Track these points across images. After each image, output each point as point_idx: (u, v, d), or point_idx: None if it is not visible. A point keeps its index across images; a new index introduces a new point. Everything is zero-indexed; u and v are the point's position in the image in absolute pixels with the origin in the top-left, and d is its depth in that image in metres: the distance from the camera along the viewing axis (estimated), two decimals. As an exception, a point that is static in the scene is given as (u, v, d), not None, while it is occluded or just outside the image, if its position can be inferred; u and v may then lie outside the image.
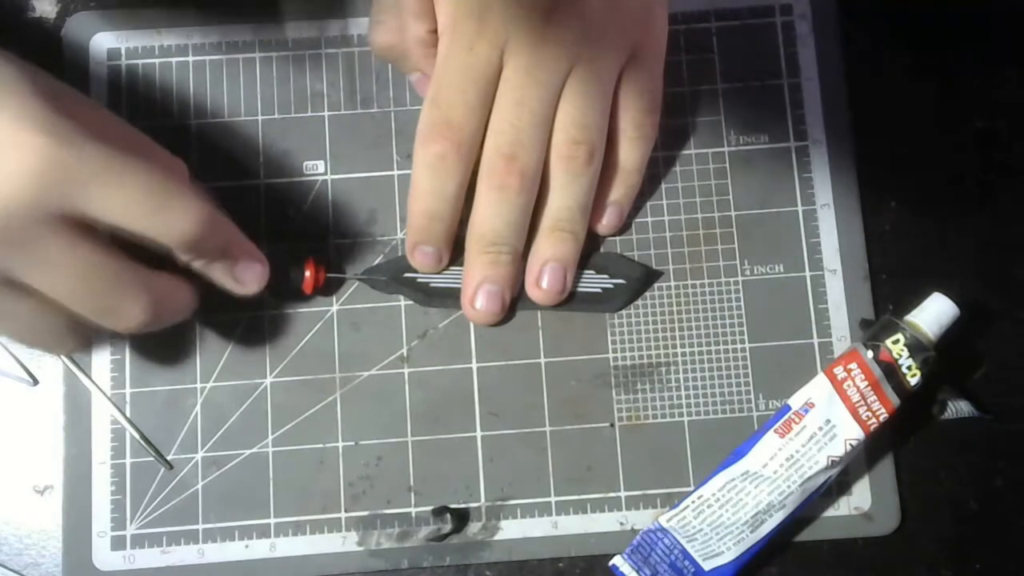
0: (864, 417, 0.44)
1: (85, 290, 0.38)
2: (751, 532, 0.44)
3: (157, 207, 0.37)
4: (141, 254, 0.39)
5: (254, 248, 0.44)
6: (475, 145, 0.45)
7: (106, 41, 0.50)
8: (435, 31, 0.46)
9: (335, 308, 0.48)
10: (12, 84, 0.36)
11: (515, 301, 0.48)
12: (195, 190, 0.39)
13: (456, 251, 0.47)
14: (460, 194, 0.46)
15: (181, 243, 0.39)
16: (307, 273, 0.47)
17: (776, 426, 0.45)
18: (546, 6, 0.44)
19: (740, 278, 0.49)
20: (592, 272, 0.48)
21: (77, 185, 0.36)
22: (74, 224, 0.37)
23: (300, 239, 0.48)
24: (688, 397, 0.48)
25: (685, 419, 0.47)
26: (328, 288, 0.48)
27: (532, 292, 0.47)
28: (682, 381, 0.48)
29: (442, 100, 0.45)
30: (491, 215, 0.45)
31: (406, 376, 0.48)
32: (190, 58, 0.50)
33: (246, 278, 0.44)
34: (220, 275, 0.43)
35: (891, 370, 0.44)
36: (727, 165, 0.50)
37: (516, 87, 0.44)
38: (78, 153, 0.36)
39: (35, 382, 0.48)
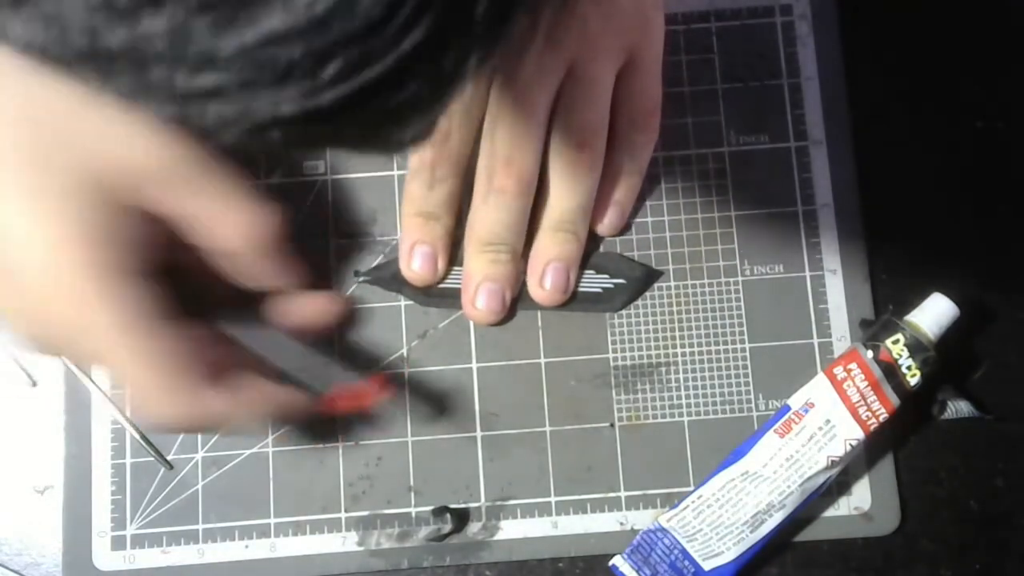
0: (864, 417, 0.44)
1: None
2: (751, 532, 0.44)
3: (238, 207, 0.39)
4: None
5: None
6: (468, 153, 0.46)
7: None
8: None
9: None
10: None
11: (515, 301, 0.48)
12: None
13: (455, 252, 0.47)
14: (454, 200, 0.46)
15: (261, 242, 0.40)
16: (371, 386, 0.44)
17: (776, 426, 0.44)
18: None
19: (740, 278, 0.49)
20: (592, 272, 0.48)
21: (180, 184, 0.38)
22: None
23: (300, 239, 0.48)
24: (688, 397, 0.48)
25: (685, 419, 0.47)
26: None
27: (535, 292, 0.47)
28: (682, 381, 0.48)
29: None
30: (489, 218, 0.45)
31: (406, 376, 0.48)
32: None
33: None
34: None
35: (891, 370, 0.44)
36: (727, 165, 0.50)
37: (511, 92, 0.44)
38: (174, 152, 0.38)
39: (35, 383, 0.48)
